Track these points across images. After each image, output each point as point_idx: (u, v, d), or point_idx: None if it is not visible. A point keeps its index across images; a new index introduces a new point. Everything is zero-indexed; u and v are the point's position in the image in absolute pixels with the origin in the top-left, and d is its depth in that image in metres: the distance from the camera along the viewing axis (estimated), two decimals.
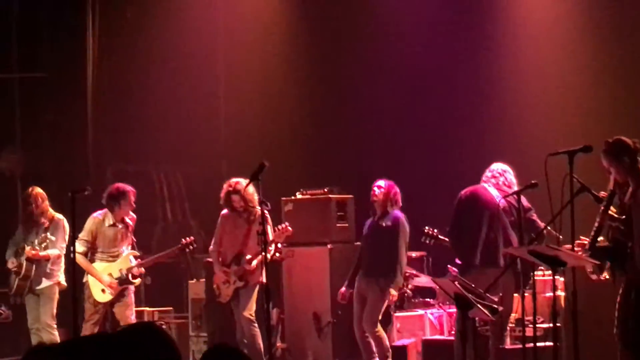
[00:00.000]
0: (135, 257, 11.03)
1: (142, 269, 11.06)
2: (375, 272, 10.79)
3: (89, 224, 10.88)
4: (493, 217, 9.70)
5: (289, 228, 10.91)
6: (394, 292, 10.69)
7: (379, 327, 10.74)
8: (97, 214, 10.94)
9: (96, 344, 2.73)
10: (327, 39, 13.59)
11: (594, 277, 8.33)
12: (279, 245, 11.23)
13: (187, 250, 11.40)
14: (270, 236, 10.52)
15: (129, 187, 10.98)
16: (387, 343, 10.71)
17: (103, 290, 10.84)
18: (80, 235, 10.79)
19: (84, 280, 10.87)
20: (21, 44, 14.14)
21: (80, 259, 10.74)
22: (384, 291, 10.69)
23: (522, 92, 12.29)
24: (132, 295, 11.07)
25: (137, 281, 11.08)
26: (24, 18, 14.20)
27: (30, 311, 10.91)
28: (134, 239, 11.11)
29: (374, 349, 10.80)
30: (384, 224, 10.86)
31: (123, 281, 10.87)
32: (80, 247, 10.74)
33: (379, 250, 10.82)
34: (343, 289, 11.09)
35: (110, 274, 10.85)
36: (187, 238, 11.31)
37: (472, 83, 12.57)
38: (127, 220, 10.99)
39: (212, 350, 4.36)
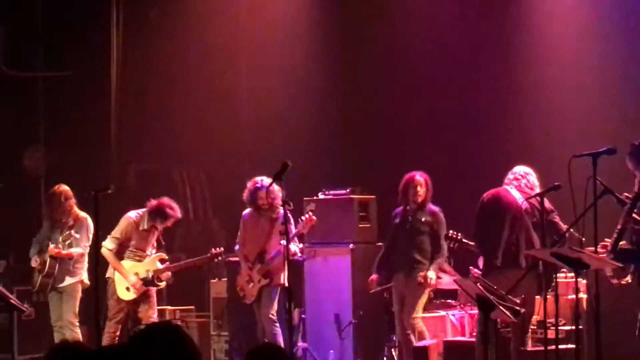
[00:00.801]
0: (163, 261, 11.05)
1: (169, 274, 11.08)
2: (415, 270, 10.82)
3: (125, 224, 10.89)
4: (515, 218, 9.69)
5: (314, 217, 10.89)
6: (431, 275, 10.68)
7: (421, 322, 10.75)
8: (134, 216, 10.94)
9: (115, 352, 2.74)
10: (350, 38, 13.58)
11: (614, 281, 8.29)
12: (301, 245, 11.21)
13: (216, 260, 11.44)
14: (293, 230, 10.53)
15: (177, 211, 11.00)
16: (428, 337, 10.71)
17: (127, 289, 10.87)
18: (113, 233, 10.85)
19: (107, 276, 10.89)
20: (45, 43, 14.22)
21: (108, 255, 10.79)
22: (422, 285, 10.75)
23: (546, 94, 12.24)
24: (155, 296, 11.11)
25: (163, 284, 11.12)
26: (48, 17, 14.27)
27: (53, 309, 10.95)
28: (163, 242, 11.15)
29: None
30: (423, 219, 10.88)
31: (148, 282, 10.90)
32: (110, 244, 10.80)
33: (419, 248, 10.85)
34: (374, 276, 11.09)
35: (136, 274, 10.88)
36: (217, 249, 11.33)
37: (495, 86, 12.53)
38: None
39: (258, 350, 4.38)
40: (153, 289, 11.03)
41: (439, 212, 10.93)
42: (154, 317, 11.04)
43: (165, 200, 10.98)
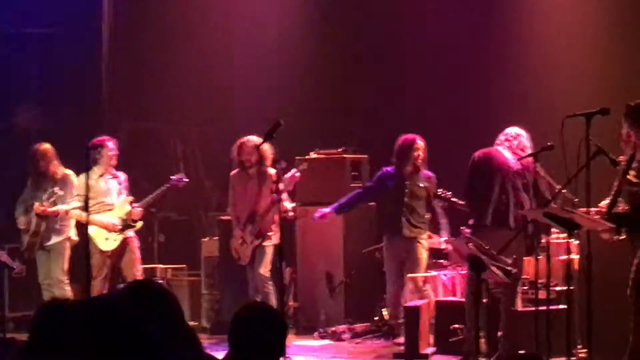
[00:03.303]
0: (131, 203, 11.02)
1: (141, 210, 11.01)
2: (417, 234, 10.92)
3: (79, 180, 10.81)
4: (506, 179, 9.67)
5: (297, 175, 10.84)
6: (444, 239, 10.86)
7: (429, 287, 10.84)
8: (83, 174, 10.87)
9: (94, 307, 2.71)
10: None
11: (605, 236, 8.28)
12: (290, 205, 11.16)
13: (180, 185, 11.28)
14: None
15: (103, 140, 10.92)
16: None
17: (107, 239, 10.84)
18: (74, 192, 10.78)
19: (88, 235, 10.85)
20: None
21: (78, 214, 10.73)
22: (424, 246, 10.89)
23: (539, 54, 12.19)
24: (138, 252, 11.09)
25: (139, 224, 11.06)
26: None
27: (41, 267, 10.91)
28: (128, 194, 11.08)
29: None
30: (421, 184, 10.91)
31: (125, 226, 10.88)
32: (76, 203, 10.73)
33: (416, 212, 10.94)
34: (327, 209, 11.10)
35: None
36: (176, 175, 11.27)
37: (488, 47, 12.48)
38: (117, 174, 10.98)
39: (247, 309, 4.36)
40: (135, 244, 11.00)
41: (434, 177, 10.95)
42: (139, 275, 11.03)
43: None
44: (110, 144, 10.94)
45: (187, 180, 11.34)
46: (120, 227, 10.89)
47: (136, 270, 10.98)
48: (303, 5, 13.89)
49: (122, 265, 10.97)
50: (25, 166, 11.19)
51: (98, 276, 10.81)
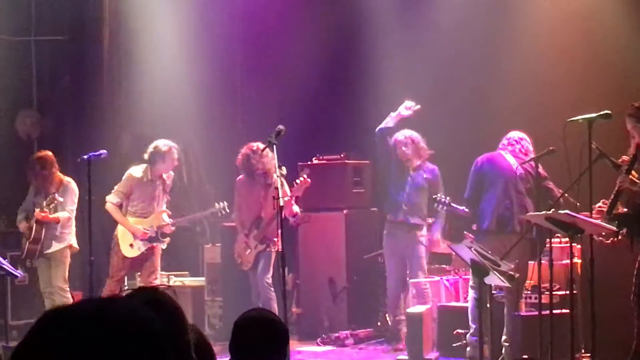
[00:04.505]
0: (169, 216, 10.96)
1: (173, 228, 10.96)
2: (417, 228, 10.86)
3: (128, 177, 10.79)
4: (509, 183, 9.67)
5: (308, 180, 10.82)
6: (439, 237, 10.83)
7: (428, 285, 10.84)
8: (136, 169, 10.86)
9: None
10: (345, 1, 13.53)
11: (603, 240, 8.26)
12: (298, 210, 11.17)
13: (220, 215, 11.31)
14: (288, 193, 10.44)
15: (172, 144, 10.92)
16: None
17: (131, 245, 10.77)
18: (117, 187, 10.76)
19: (115, 233, 10.83)
20: (39, 6, 14.10)
21: (113, 210, 10.71)
22: (422, 242, 10.83)
23: (540, 57, 12.17)
24: (159, 261, 11.01)
25: (167, 240, 10.98)
26: None
27: (42, 275, 10.82)
28: (169, 198, 11.05)
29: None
30: (425, 176, 10.88)
31: (152, 238, 10.82)
32: (114, 198, 10.71)
33: (419, 206, 10.86)
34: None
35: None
36: (221, 202, 11.25)
37: (489, 49, 12.46)
38: (165, 177, 10.94)
39: (249, 317, 4.34)
40: (157, 253, 10.93)
41: (438, 170, 10.99)
42: (155, 283, 10.96)
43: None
44: (175, 151, 10.91)
45: (229, 211, 11.33)
46: (148, 234, 10.79)
47: (154, 278, 10.90)
48: (305, 11, 13.86)
49: (142, 270, 10.93)
50: (26, 173, 11.17)
51: (115, 276, 10.76)
